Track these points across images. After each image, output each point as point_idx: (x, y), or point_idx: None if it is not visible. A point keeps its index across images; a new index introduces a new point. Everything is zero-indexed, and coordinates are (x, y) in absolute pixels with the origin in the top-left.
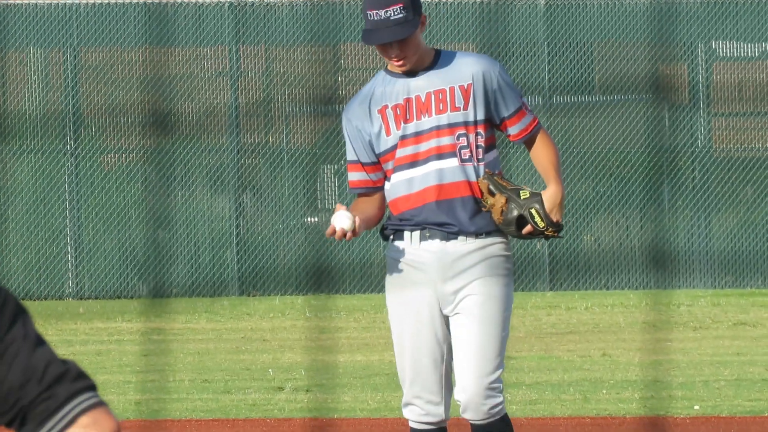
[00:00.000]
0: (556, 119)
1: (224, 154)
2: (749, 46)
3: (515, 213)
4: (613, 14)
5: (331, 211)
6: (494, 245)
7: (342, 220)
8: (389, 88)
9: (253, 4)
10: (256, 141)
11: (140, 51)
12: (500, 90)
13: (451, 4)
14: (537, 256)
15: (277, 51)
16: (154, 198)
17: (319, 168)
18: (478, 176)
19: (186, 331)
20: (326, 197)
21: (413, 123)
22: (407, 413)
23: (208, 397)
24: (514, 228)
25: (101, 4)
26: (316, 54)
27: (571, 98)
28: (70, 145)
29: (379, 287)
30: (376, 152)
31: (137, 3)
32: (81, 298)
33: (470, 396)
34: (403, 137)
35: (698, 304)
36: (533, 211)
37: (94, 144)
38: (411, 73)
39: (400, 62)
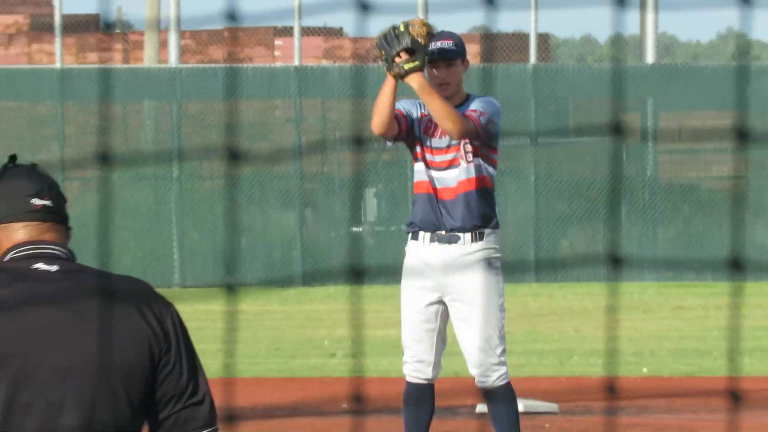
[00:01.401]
0: (541, 155)
1: (290, 180)
2: (686, 99)
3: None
4: (585, 76)
5: (370, 224)
6: (488, 249)
7: None
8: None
9: (312, 68)
10: (315, 170)
11: (227, 103)
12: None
13: None
14: (525, 256)
15: (331, 103)
16: (238, 213)
17: (362, 191)
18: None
19: (263, 313)
20: (367, 213)
21: (436, 138)
22: (405, 370)
23: (279, 361)
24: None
25: (197, 68)
26: (357, 105)
27: (552, 139)
28: (176, 173)
29: None
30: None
31: (223, 67)
32: (184, 287)
33: (482, 370)
34: (422, 140)
35: (646, 293)
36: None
37: (193, 173)
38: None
39: (442, 86)
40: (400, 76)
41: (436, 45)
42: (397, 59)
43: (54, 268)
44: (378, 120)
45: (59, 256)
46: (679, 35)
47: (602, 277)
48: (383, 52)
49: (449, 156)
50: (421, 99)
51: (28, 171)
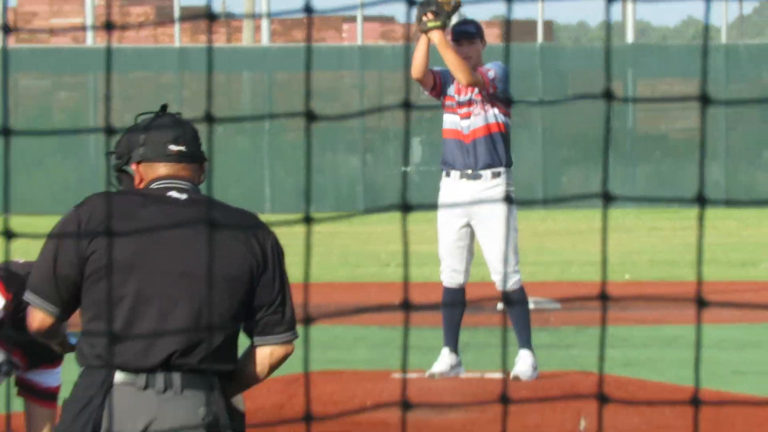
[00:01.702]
0: (547, 113)
1: (355, 132)
2: (657, 70)
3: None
4: (580, 53)
5: (416, 164)
6: (504, 184)
7: None
8: None
9: (371, 47)
10: (373, 125)
11: (306, 73)
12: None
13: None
14: (535, 189)
15: (386, 74)
16: (314, 158)
17: (410, 140)
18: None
19: (334, 233)
20: (413, 156)
21: (461, 95)
22: (442, 277)
23: (347, 269)
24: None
25: (284, 46)
26: (406, 75)
27: (555, 101)
28: (267, 127)
29: None
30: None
31: (303, 46)
32: (273, 214)
33: (501, 277)
34: (452, 97)
35: (628, 218)
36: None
37: (280, 127)
38: None
39: (465, 59)
40: (424, 31)
41: (461, 27)
42: (424, 18)
43: (183, 196)
44: (414, 67)
45: (188, 189)
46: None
47: (594, 206)
48: (417, 13)
49: (470, 109)
50: (439, 51)
51: (171, 120)
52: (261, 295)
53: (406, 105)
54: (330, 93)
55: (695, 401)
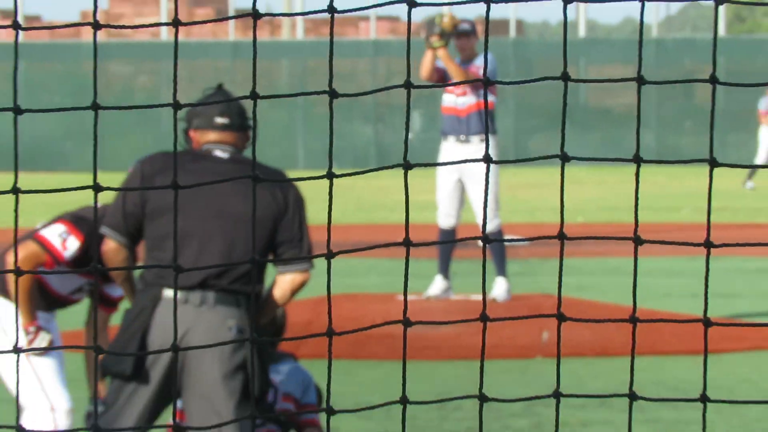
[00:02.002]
0: (519, 90)
1: (368, 106)
2: (603, 57)
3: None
4: (543, 45)
5: (416, 132)
6: (489, 147)
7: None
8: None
9: (382, 40)
10: (383, 100)
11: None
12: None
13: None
14: (508, 151)
15: (394, 60)
16: (336, 126)
17: (411, 112)
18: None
19: (350, 186)
20: (415, 125)
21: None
22: (438, 220)
23: (361, 214)
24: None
25: (315, 40)
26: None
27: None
28: (301, 102)
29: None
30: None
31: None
32: (305, 169)
33: (483, 221)
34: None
35: (580, 173)
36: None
37: (311, 101)
38: (465, 61)
39: (464, 49)
40: (431, 48)
41: (460, 27)
42: (431, 38)
43: (225, 155)
44: (422, 73)
45: (230, 151)
46: (599, 20)
47: (555, 164)
48: (425, 32)
49: (464, 89)
50: (444, 64)
51: (219, 95)
52: (282, 232)
53: (408, 85)
54: (349, 76)
55: (633, 319)
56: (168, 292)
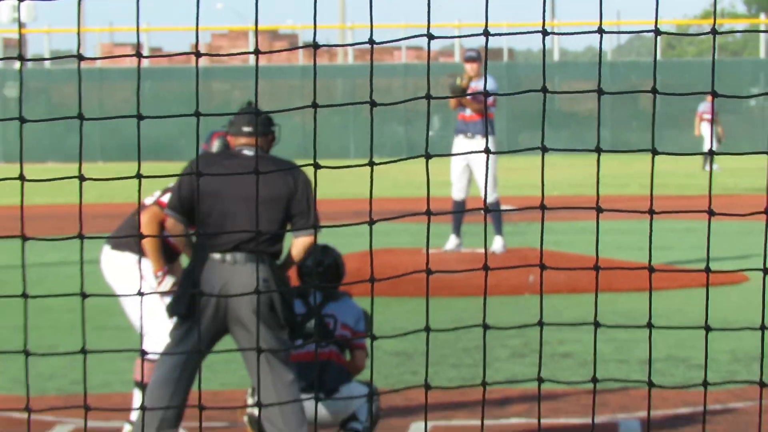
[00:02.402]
0: (511, 101)
1: (399, 110)
2: (573, 74)
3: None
4: (529, 66)
5: (435, 131)
6: (489, 142)
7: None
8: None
9: (411, 63)
10: (412, 108)
11: (371, 80)
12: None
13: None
14: (502, 143)
15: (417, 80)
16: (374, 126)
17: (431, 117)
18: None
19: (388, 169)
20: (434, 125)
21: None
22: (452, 193)
23: (395, 190)
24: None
25: (363, 64)
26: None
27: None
28: (351, 110)
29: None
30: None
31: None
32: (355, 158)
33: (485, 194)
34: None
35: (551, 161)
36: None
37: (358, 110)
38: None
39: (473, 73)
40: (453, 93)
41: (467, 54)
42: (451, 88)
43: (251, 153)
44: (451, 106)
45: (255, 150)
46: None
47: (537, 154)
48: (450, 80)
49: (472, 103)
50: (462, 102)
51: (248, 108)
52: (294, 207)
53: (428, 97)
54: (385, 90)
55: (596, 267)
56: (212, 255)
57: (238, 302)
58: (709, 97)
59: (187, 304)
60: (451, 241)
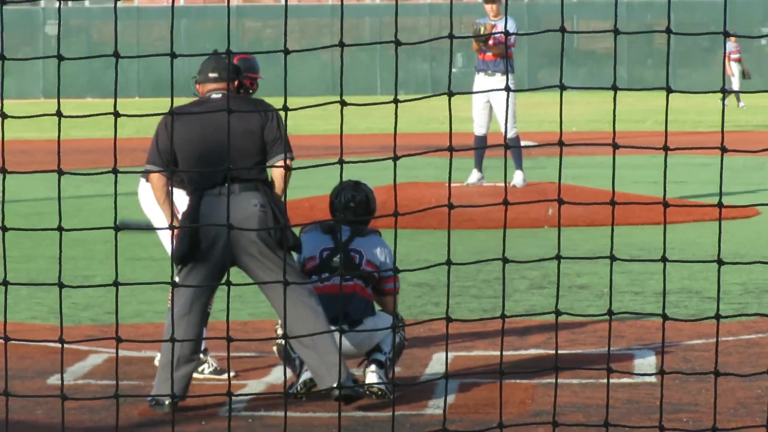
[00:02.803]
0: (534, 38)
1: (425, 48)
2: (597, 14)
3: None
4: (551, 6)
5: (458, 68)
6: (509, 79)
7: None
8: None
9: (437, 3)
10: (436, 46)
11: (397, 20)
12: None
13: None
14: (522, 81)
15: (443, 19)
16: (400, 64)
17: (455, 54)
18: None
19: (414, 105)
20: (457, 62)
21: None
22: (473, 128)
23: (420, 125)
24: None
25: (391, 4)
26: (453, 22)
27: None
28: (380, 48)
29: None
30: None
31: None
32: (382, 94)
33: (506, 128)
34: (485, 38)
35: (574, 97)
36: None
37: (385, 48)
38: (492, 19)
39: (494, 13)
40: (476, 40)
41: None
42: (475, 36)
43: (219, 96)
44: (474, 48)
45: (223, 93)
46: None
47: (556, 90)
48: (474, 32)
49: (493, 42)
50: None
51: (214, 56)
52: (267, 135)
53: (451, 36)
54: (411, 29)
55: (612, 201)
56: (206, 191)
57: (240, 231)
58: (732, 38)
59: (188, 244)
60: (474, 175)
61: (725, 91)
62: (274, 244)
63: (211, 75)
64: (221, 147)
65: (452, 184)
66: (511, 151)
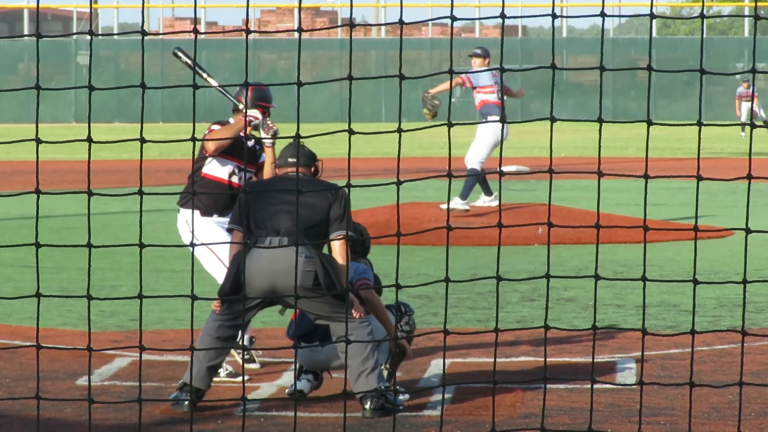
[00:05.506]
0: (529, 74)
1: (427, 83)
2: (582, 50)
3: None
4: (541, 43)
5: (456, 98)
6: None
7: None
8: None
9: (437, 38)
10: (438, 78)
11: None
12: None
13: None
14: (514, 107)
15: (444, 53)
16: (403, 95)
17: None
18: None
19: (416, 134)
20: (456, 94)
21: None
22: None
23: (420, 150)
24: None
25: (394, 38)
26: (452, 57)
27: (524, 68)
28: (383, 82)
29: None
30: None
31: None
32: (386, 122)
33: (501, 158)
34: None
35: (564, 127)
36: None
37: (389, 81)
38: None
39: (475, 64)
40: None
41: (474, 51)
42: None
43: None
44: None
45: (300, 174)
46: (575, 26)
47: (547, 121)
48: (424, 101)
49: (473, 94)
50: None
51: (293, 145)
52: (332, 213)
53: (450, 71)
54: (414, 62)
55: (597, 225)
56: (259, 239)
57: (284, 280)
58: (744, 83)
59: (231, 284)
60: (484, 198)
61: (700, 125)
62: (318, 289)
63: (290, 160)
64: (286, 210)
65: (448, 205)
66: (465, 180)
